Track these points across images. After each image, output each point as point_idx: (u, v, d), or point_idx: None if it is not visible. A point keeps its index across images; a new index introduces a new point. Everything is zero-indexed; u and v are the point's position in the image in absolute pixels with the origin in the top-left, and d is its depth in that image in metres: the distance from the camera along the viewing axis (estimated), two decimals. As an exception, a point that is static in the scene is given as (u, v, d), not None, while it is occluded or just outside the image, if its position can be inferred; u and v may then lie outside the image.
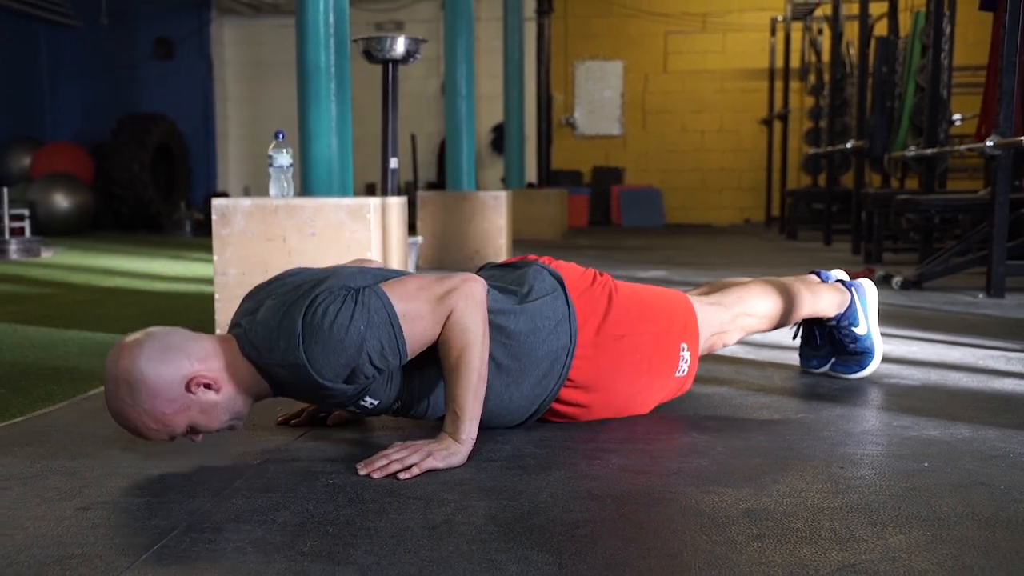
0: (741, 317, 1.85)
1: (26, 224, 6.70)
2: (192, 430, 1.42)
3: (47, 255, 6.11)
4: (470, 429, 1.44)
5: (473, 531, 1.17)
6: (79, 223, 8.55)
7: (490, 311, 1.51)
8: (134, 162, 9.23)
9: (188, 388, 1.37)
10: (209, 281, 4.29)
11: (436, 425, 1.53)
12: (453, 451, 1.43)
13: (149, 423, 1.37)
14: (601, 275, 1.73)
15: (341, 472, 1.41)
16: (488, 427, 1.58)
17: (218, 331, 2.65)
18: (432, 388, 1.55)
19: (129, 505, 1.28)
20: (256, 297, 1.50)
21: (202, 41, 10.68)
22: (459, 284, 1.46)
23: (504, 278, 1.66)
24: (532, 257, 1.74)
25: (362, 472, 1.39)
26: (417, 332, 1.44)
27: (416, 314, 1.43)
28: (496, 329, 1.52)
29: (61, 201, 8.37)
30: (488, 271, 1.73)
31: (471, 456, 1.45)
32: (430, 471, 1.39)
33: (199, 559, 1.09)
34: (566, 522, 1.20)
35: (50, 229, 8.12)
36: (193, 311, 3.37)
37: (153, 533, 1.17)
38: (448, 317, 1.44)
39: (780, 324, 1.92)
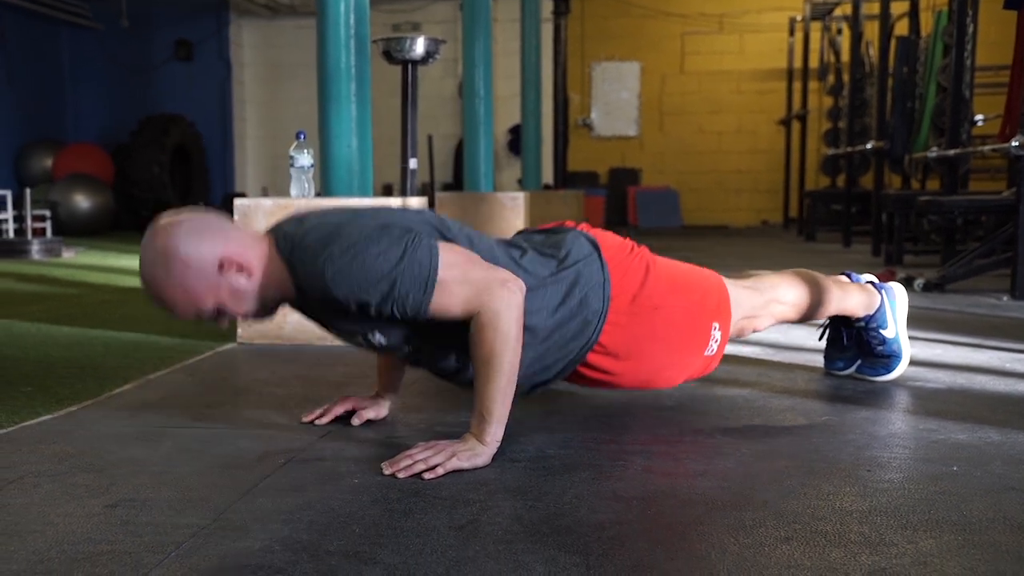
0: (773, 304, 1.85)
1: (48, 224, 6.78)
2: (219, 312, 1.47)
3: (68, 255, 6.16)
4: (496, 432, 1.44)
5: (499, 531, 1.17)
6: (99, 223, 8.62)
7: (526, 272, 1.56)
8: (153, 163, 9.30)
9: (221, 268, 1.43)
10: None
11: (462, 423, 1.53)
12: (478, 452, 1.43)
13: (179, 297, 1.43)
14: (639, 246, 1.74)
15: (366, 472, 1.41)
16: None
17: (240, 331, 2.66)
18: (449, 348, 1.55)
19: (156, 503, 1.28)
20: (306, 215, 1.55)
21: (220, 43, 10.75)
22: (501, 286, 1.44)
23: (542, 242, 1.68)
24: (570, 223, 1.75)
25: (387, 472, 1.39)
26: (442, 303, 1.43)
27: (451, 288, 1.43)
28: (530, 292, 1.54)
29: (82, 202, 8.45)
30: (526, 235, 1.74)
31: (494, 457, 1.45)
32: (455, 471, 1.39)
33: (226, 557, 1.09)
34: (592, 523, 1.19)
35: (71, 229, 8.19)
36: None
37: (180, 531, 1.17)
38: (481, 313, 1.43)
39: (809, 316, 1.91)
